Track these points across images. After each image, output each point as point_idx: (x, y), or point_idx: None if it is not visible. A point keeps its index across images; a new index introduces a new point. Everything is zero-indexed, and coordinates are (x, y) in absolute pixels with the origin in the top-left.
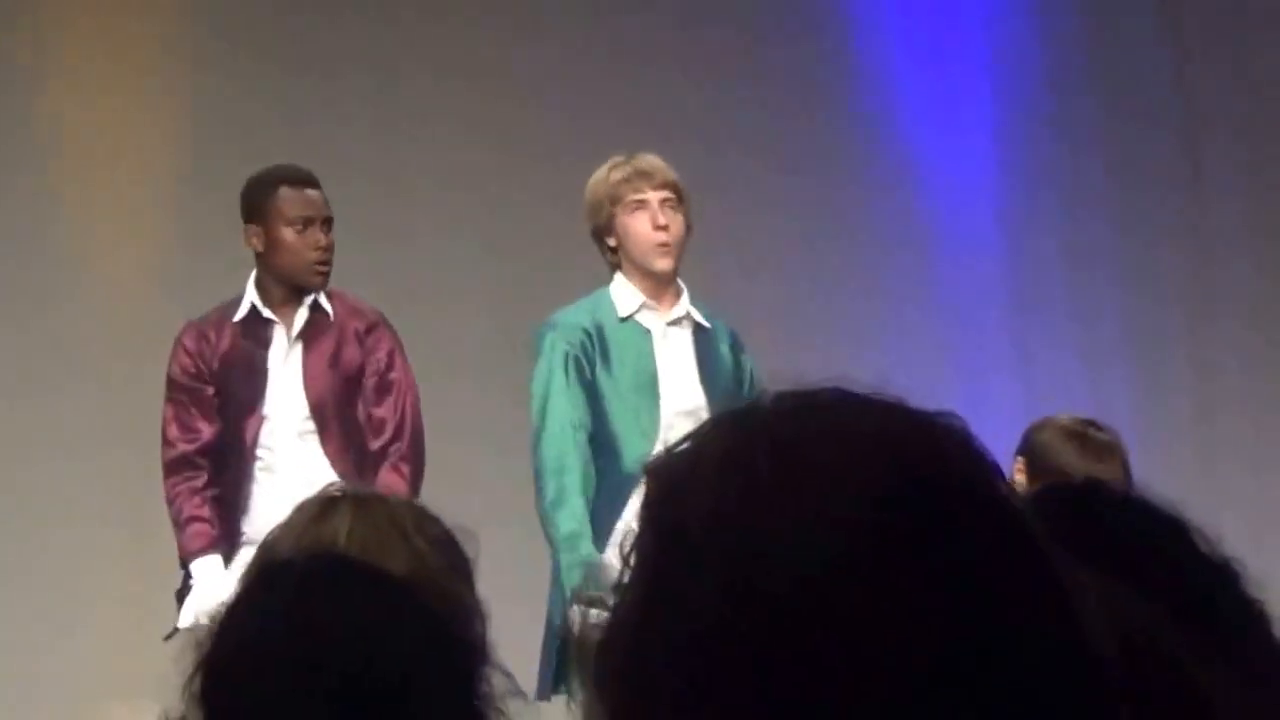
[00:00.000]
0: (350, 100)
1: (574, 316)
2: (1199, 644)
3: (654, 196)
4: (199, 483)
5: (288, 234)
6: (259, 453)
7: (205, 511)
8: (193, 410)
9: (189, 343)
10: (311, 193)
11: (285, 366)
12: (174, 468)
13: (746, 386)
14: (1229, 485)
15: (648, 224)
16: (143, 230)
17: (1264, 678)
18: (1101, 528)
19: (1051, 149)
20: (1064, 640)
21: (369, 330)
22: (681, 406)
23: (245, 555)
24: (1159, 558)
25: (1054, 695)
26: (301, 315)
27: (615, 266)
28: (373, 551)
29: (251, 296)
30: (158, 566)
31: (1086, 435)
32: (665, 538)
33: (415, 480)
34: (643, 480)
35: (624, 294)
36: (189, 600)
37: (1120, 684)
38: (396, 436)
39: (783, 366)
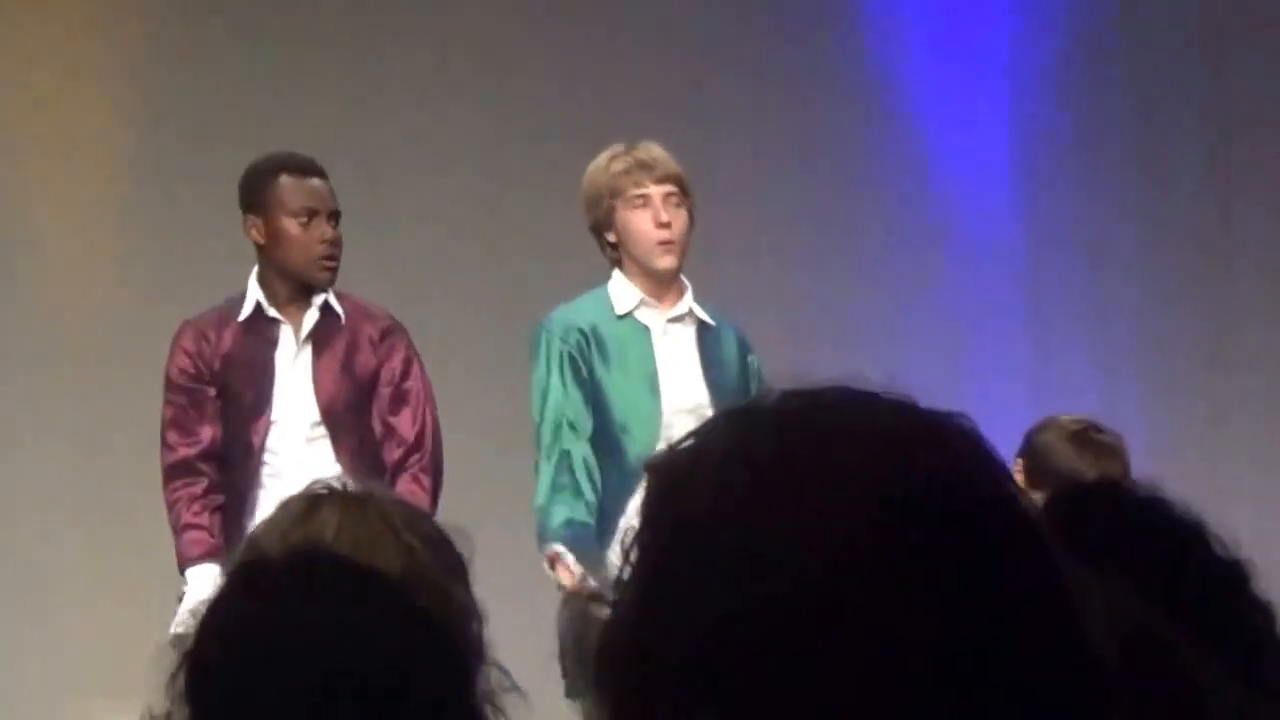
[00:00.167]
0: (323, 74)
1: (570, 315)
2: (1202, 644)
3: (656, 191)
4: (198, 489)
5: (290, 226)
6: (266, 457)
7: (204, 519)
8: (192, 413)
9: (187, 343)
10: (316, 182)
11: (294, 368)
12: (173, 473)
13: (753, 386)
14: (1239, 486)
15: (649, 221)
16: (89, 213)
17: (1266, 678)
18: (1118, 528)
19: (1071, 144)
20: (1066, 646)
21: (383, 336)
22: (683, 404)
23: None
24: (1173, 559)
25: (1054, 698)
26: (311, 316)
27: (615, 263)
28: (364, 549)
29: (255, 295)
30: (142, 565)
31: (1087, 436)
32: (666, 535)
33: (435, 492)
34: (644, 477)
35: (622, 291)
36: (180, 608)
37: (1118, 685)
38: (417, 448)
39: (791, 362)
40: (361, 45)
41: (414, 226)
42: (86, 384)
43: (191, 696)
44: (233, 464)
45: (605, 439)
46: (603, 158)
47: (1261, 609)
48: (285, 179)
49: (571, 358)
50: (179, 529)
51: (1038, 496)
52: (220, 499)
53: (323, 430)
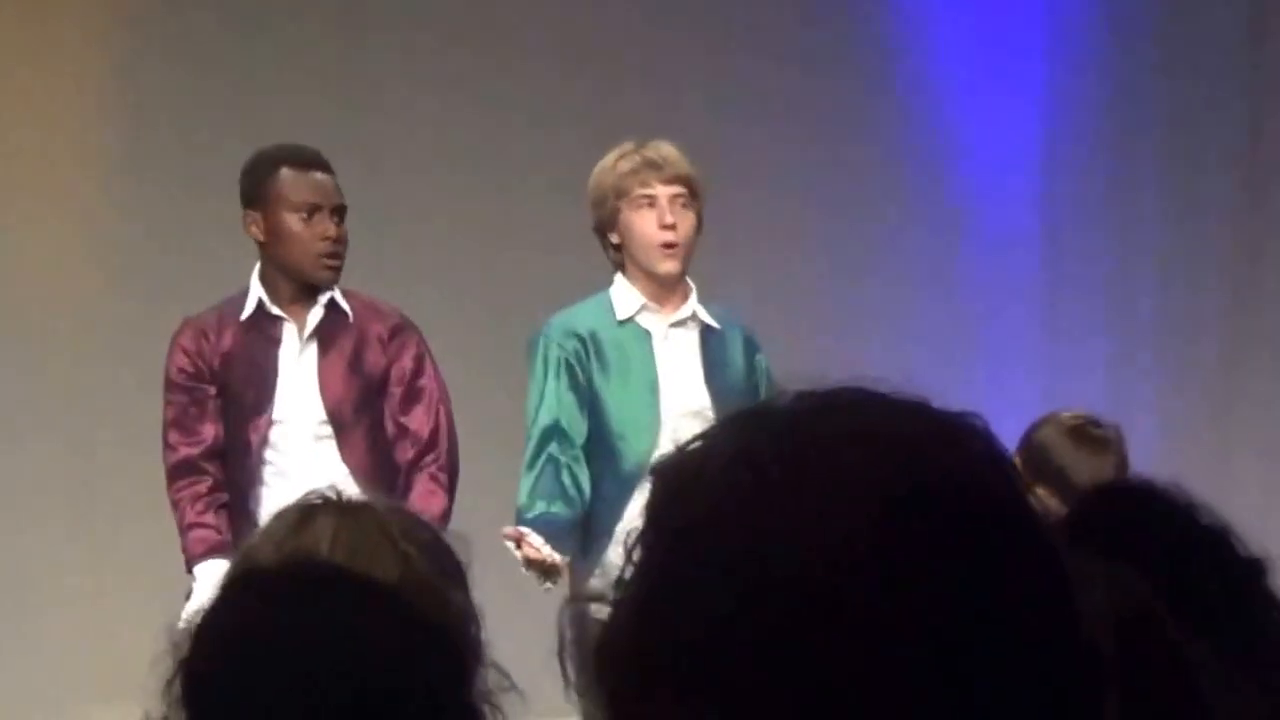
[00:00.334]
0: (313, 64)
1: (570, 321)
2: (1218, 644)
3: (663, 192)
4: (203, 487)
5: (291, 222)
6: (269, 456)
7: (208, 517)
8: (193, 411)
9: (186, 342)
10: (319, 176)
11: (298, 366)
12: (177, 473)
13: (761, 387)
14: (1249, 475)
15: (653, 223)
16: (76, 208)
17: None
18: (1144, 531)
19: (1096, 132)
20: (1066, 649)
21: (393, 334)
22: (684, 409)
23: None
24: (1197, 562)
25: (1051, 698)
26: (316, 314)
27: (618, 265)
28: (360, 558)
29: (258, 292)
30: (138, 567)
31: (1084, 431)
32: (670, 536)
33: (453, 490)
34: (648, 479)
35: (624, 296)
36: (188, 606)
37: (1113, 675)
38: (432, 446)
39: (807, 350)
40: (357, 36)
41: (415, 222)
42: (76, 383)
43: (188, 702)
44: (233, 463)
45: (602, 446)
46: (611, 156)
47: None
48: (286, 172)
49: (569, 364)
50: (184, 528)
51: (1041, 493)
52: (225, 497)
53: (329, 429)
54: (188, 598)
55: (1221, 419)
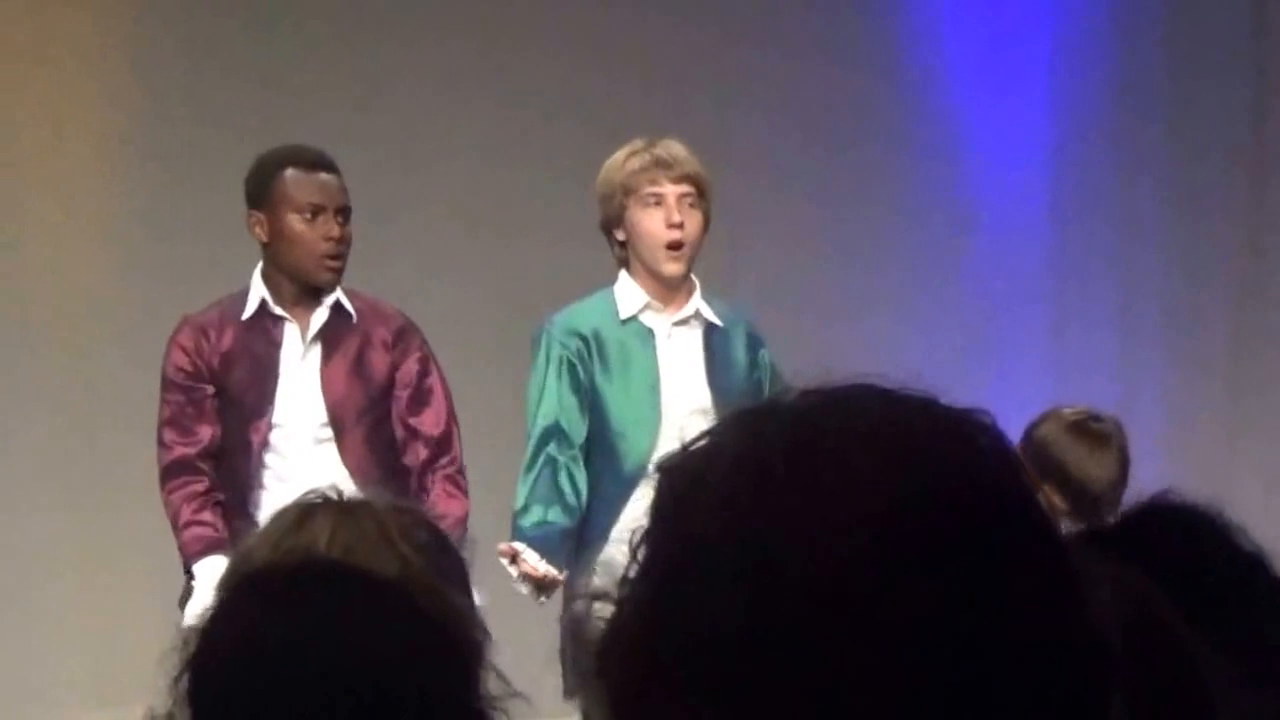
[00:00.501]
0: (328, 59)
1: (572, 319)
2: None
3: (672, 191)
4: (199, 486)
5: (294, 223)
6: (269, 459)
7: (205, 515)
8: (190, 411)
9: (185, 340)
10: (325, 177)
11: (301, 368)
12: (171, 472)
13: (765, 383)
14: (1254, 467)
15: (661, 222)
16: (87, 203)
17: None
18: (1187, 552)
19: (1110, 122)
20: (1075, 648)
21: (397, 337)
22: (686, 409)
23: None
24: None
25: (1060, 696)
26: (320, 315)
27: (622, 263)
28: (356, 558)
29: (260, 292)
30: (141, 569)
31: (1084, 425)
32: (676, 535)
33: (467, 492)
34: (648, 479)
35: (628, 294)
36: (190, 604)
37: (1121, 674)
38: (446, 448)
39: (812, 345)
40: (370, 31)
41: (429, 218)
42: (85, 379)
43: (194, 702)
44: (232, 464)
45: (602, 446)
46: (620, 154)
47: None
48: (291, 173)
49: (570, 363)
50: (180, 526)
51: (1044, 489)
52: (220, 496)
53: (329, 432)
54: (182, 599)
55: (1228, 412)
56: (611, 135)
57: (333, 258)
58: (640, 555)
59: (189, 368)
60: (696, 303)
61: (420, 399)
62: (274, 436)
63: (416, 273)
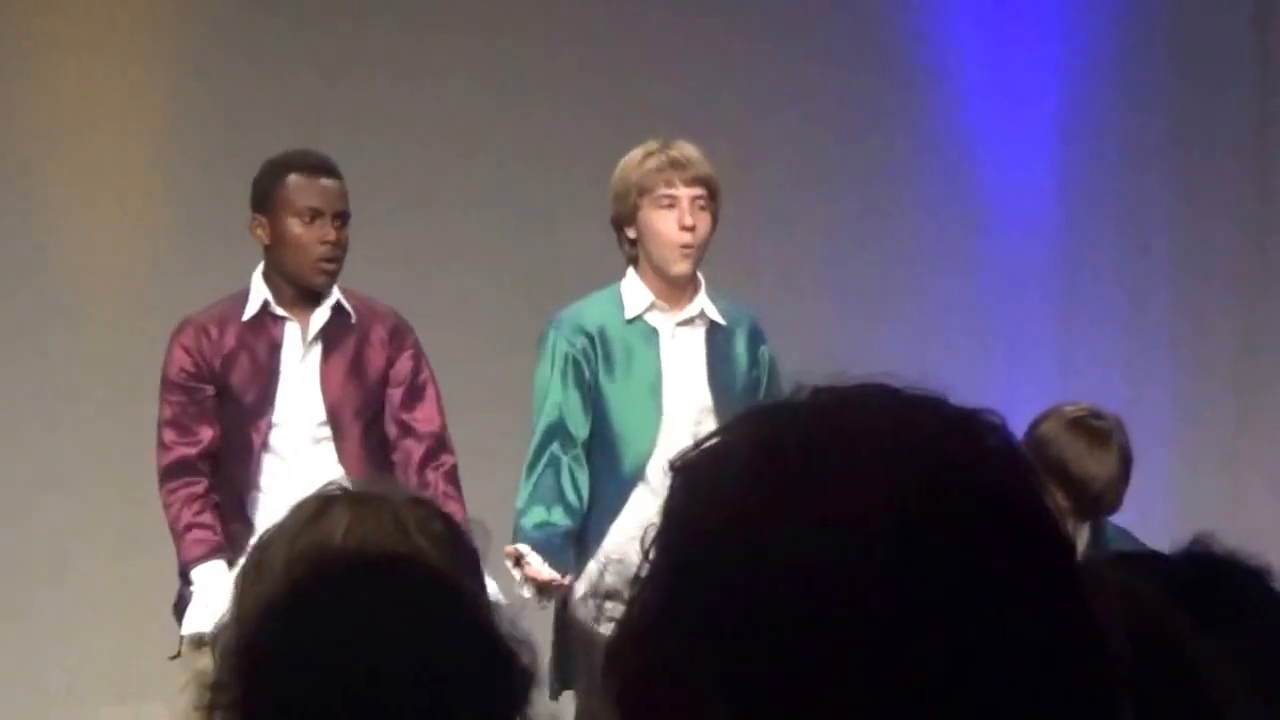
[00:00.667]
0: (363, 57)
1: (579, 317)
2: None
3: (685, 194)
4: (199, 488)
5: (293, 226)
6: (268, 459)
7: (206, 518)
8: (191, 411)
9: (187, 341)
10: (326, 182)
11: (301, 368)
12: (171, 473)
13: (764, 380)
14: (1263, 465)
15: (673, 223)
16: (128, 196)
17: None
18: (1233, 600)
19: (1117, 122)
20: (1080, 644)
21: (392, 334)
22: (685, 410)
23: None
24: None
25: (1067, 693)
26: (321, 315)
27: (631, 260)
28: (372, 550)
29: (262, 293)
30: (157, 568)
31: (1084, 422)
32: (689, 533)
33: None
34: (643, 482)
35: (634, 293)
36: (191, 609)
37: (1130, 680)
38: (443, 446)
39: (823, 338)
40: (397, 30)
41: (436, 212)
42: (126, 376)
43: (248, 696)
44: (231, 464)
45: (602, 445)
46: (637, 153)
47: None
48: (293, 178)
49: (575, 361)
50: (180, 530)
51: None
52: (217, 498)
53: (327, 431)
54: (177, 606)
55: (1234, 412)
56: (626, 132)
57: (327, 260)
58: (652, 555)
59: (191, 368)
60: (701, 302)
61: (414, 395)
62: (273, 437)
63: (425, 269)
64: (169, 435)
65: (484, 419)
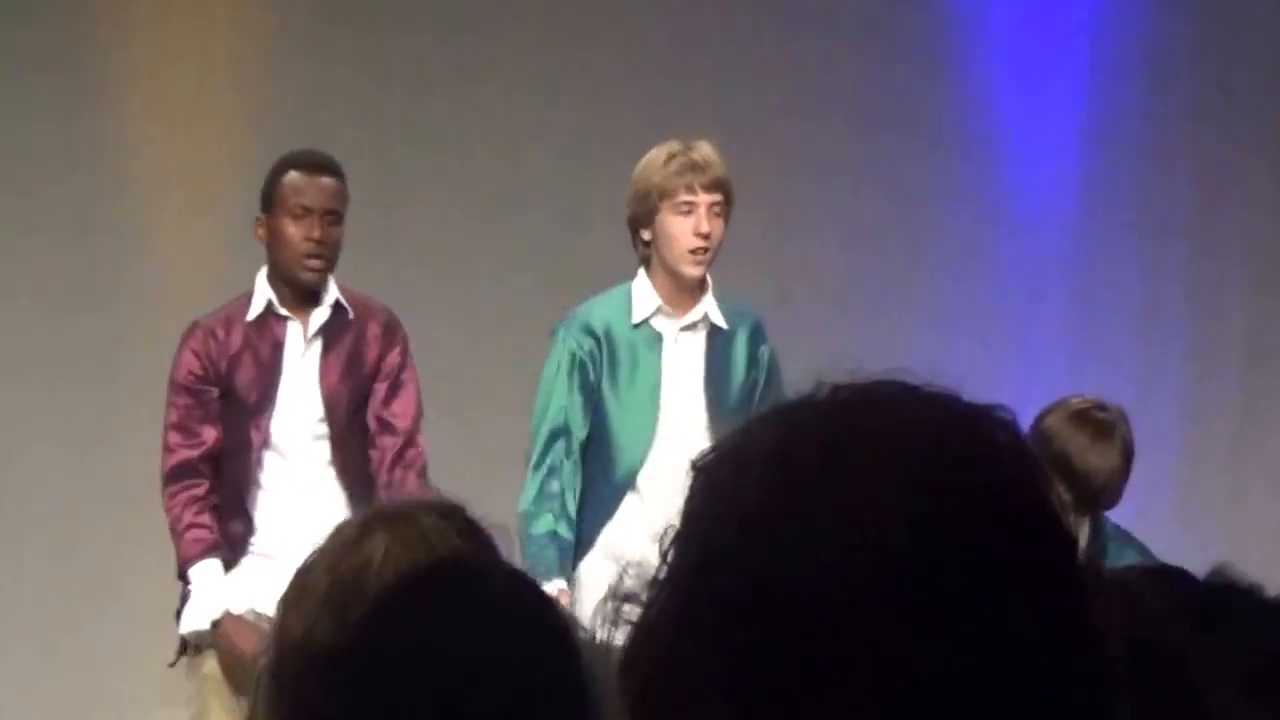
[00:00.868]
0: (421, 63)
1: (589, 317)
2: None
3: (704, 200)
4: (200, 490)
5: (286, 224)
6: (270, 456)
7: (204, 519)
8: (196, 413)
9: (196, 344)
10: (325, 180)
11: (301, 366)
12: (174, 475)
13: (761, 381)
14: (1271, 468)
15: (690, 229)
16: (207, 190)
17: None
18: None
19: (1142, 116)
20: (1080, 646)
21: (385, 329)
22: (681, 422)
23: (250, 565)
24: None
25: (1066, 695)
26: (321, 314)
27: (643, 261)
28: (402, 572)
29: (266, 293)
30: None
31: (1087, 414)
32: (706, 535)
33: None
34: (634, 491)
35: (643, 295)
36: (188, 608)
37: (1126, 685)
38: (411, 442)
39: (842, 335)
40: (457, 36)
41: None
42: None
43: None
44: (233, 462)
45: (597, 449)
46: (659, 154)
47: None
48: (292, 176)
49: (582, 364)
50: (180, 530)
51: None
52: (216, 500)
53: (325, 428)
54: (177, 616)
55: (1242, 413)
56: (649, 127)
57: (311, 257)
58: (670, 557)
59: (199, 371)
60: (705, 306)
61: (394, 390)
62: (274, 435)
63: (432, 268)
64: (173, 438)
65: (517, 423)
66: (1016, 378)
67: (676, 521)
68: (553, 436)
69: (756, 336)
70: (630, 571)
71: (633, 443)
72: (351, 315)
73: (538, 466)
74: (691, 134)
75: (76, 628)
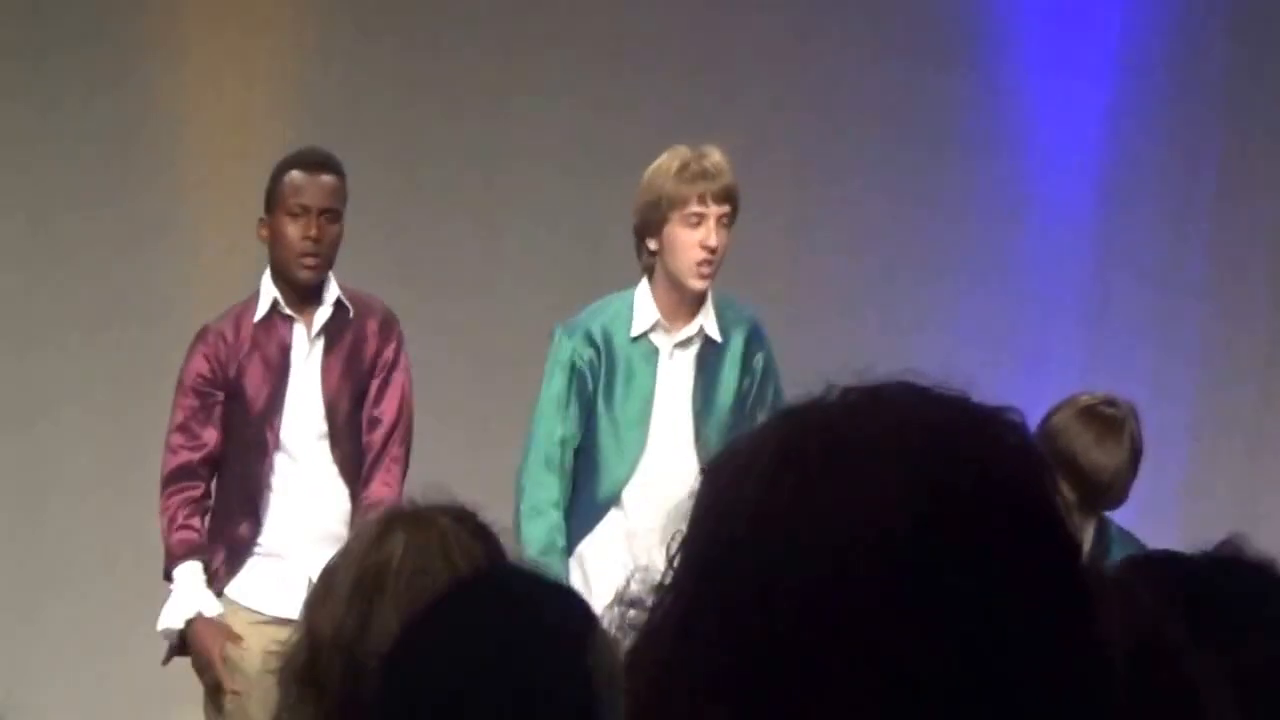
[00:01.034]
0: (455, 73)
1: (590, 324)
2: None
3: (714, 212)
4: (195, 493)
5: (284, 223)
6: (280, 457)
7: (195, 521)
8: (200, 416)
9: (205, 348)
10: (324, 179)
11: (305, 366)
12: (174, 476)
13: (755, 386)
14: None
15: (697, 241)
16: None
17: None
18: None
19: (1164, 130)
20: (1081, 648)
21: (382, 325)
22: (669, 436)
23: (257, 566)
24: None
25: (1066, 697)
26: (324, 313)
27: (647, 270)
28: (417, 574)
29: (271, 294)
30: None
31: (1095, 410)
32: (711, 538)
33: (403, 479)
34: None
35: (644, 307)
36: (168, 605)
37: (1124, 688)
38: (392, 439)
39: (854, 336)
40: (493, 45)
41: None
42: None
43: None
44: (246, 464)
45: (585, 461)
46: (671, 163)
47: None
48: (293, 175)
49: (582, 374)
50: (172, 530)
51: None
52: (210, 503)
53: (326, 427)
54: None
55: (1259, 419)
56: (665, 130)
57: (306, 255)
58: (676, 560)
59: (208, 374)
60: (702, 319)
61: (384, 388)
62: (284, 435)
63: (436, 269)
64: (176, 439)
65: (518, 429)
66: (1030, 380)
67: (683, 527)
68: (550, 443)
69: (752, 342)
70: (637, 576)
71: (621, 458)
72: (352, 313)
73: (536, 472)
74: (705, 135)
75: (112, 631)
